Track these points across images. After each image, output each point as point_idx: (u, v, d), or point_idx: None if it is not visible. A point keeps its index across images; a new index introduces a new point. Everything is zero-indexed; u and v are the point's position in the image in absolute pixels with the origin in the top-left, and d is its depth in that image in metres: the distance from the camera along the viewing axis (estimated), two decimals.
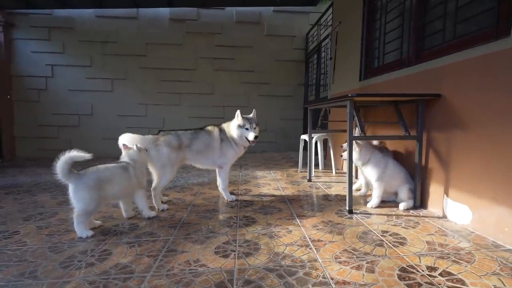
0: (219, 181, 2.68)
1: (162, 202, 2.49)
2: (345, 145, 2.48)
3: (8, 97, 5.35)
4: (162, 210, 2.37)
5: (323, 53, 5.11)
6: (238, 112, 2.53)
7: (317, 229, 1.90)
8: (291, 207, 2.40)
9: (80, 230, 1.86)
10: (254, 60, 6.11)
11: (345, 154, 2.34)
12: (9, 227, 2.06)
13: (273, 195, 2.79)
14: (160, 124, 5.98)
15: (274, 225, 1.99)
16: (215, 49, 6.01)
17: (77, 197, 1.82)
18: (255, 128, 2.54)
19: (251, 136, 2.50)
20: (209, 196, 2.80)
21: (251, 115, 2.60)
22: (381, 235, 1.79)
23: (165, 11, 5.86)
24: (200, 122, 6.12)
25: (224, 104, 6.08)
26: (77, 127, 5.86)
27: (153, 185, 2.43)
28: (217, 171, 2.68)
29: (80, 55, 5.77)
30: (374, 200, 2.33)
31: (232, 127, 2.57)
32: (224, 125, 2.65)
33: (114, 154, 5.61)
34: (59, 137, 5.85)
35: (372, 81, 3.18)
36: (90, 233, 1.87)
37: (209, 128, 2.62)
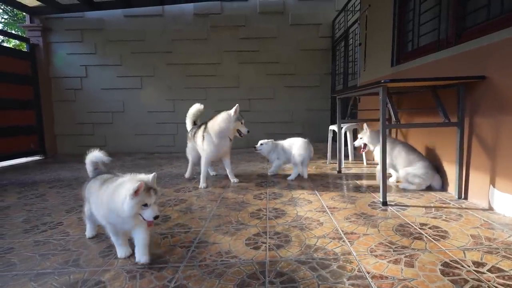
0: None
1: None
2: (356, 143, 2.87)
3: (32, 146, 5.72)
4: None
5: (351, 40, 4.90)
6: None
7: (350, 222, 1.84)
8: (322, 199, 2.35)
9: None
10: (279, 51, 6.01)
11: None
12: (54, 219, 2.20)
13: (302, 187, 2.74)
14: None
15: (304, 217, 1.96)
16: (240, 41, 5.98)
17: None
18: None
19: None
20: (238, 189, 2.81)
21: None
22: (420, 228, 1.69)
23: (189, 7, 5.91)
24: None
25: (249, 97, 6.05)
26: (110, 124, 6.13)
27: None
28: None
29: (111, 55, 6.00)
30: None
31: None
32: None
33: (145, 149, 5.85)
34: (95, 134, 6.16)
35: (405, 66, 3.00)
36: None
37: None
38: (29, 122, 5.64)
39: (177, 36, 5.95)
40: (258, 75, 6.06)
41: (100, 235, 1.83)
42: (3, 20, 14.03)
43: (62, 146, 6.16)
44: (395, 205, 2.11)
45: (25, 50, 5.86)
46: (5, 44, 11.36)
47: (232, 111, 2.90)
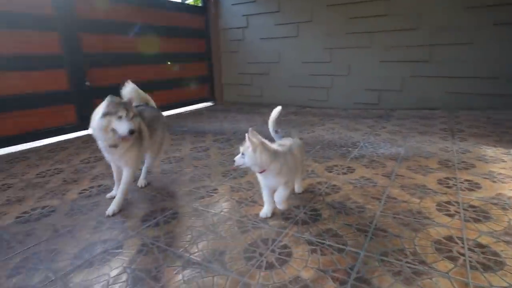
0: None
1: None
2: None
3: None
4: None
5: None
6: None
7: None
8: None
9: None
10: None
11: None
12: (212, 182, 2.28)
13: None
14: (345, 71, 5.31)
15: None
16: None
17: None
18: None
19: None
20: (410, 184, 2.09)
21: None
22: None
23: None
24: (395, 68, 4.95)
25: (432, 42, 4.53)
26: (267, 74, 6.19)
27: None
28: None
29: (269, 1, 5.74)
30: None
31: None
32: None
33: (298, 102, 5.65)
34: (252, 84, 6.43)
35: None
36: None
37: None
38: (203, 72, 6.46)
39: None
40: (450, 10, 4.35)
41: (247, 220, 1.70)
42: None
43: (228, 94, 6.83)
44: None
45: (199, 5, 6.42)
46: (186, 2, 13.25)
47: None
